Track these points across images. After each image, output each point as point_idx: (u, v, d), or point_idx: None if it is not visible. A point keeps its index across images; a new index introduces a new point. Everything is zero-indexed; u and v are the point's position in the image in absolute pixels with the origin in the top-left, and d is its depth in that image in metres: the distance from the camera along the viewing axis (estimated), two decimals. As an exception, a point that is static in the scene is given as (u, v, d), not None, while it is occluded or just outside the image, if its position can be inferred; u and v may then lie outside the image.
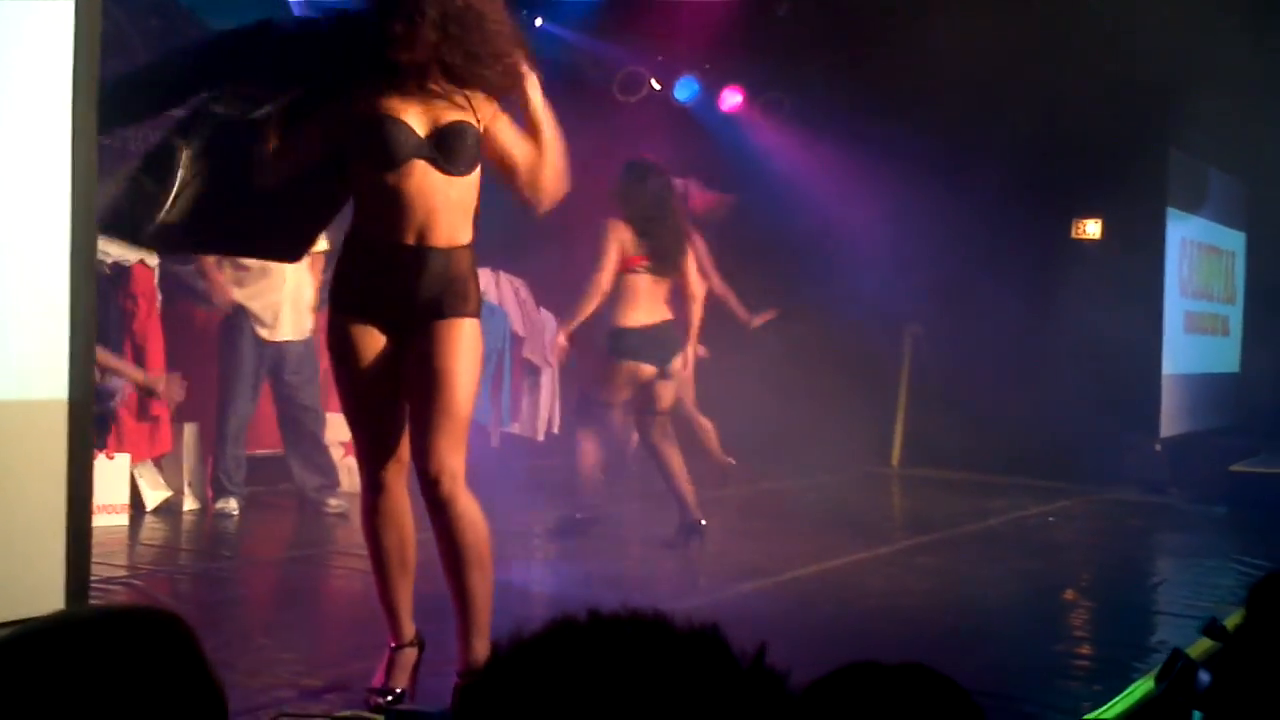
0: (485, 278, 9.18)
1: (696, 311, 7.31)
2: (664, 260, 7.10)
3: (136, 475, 7.50)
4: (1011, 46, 9.60)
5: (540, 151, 4.09)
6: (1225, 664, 1.67)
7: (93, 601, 5.32)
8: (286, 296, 7.78)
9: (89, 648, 1.29)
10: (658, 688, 1.02)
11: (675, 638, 1.07)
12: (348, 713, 4.01)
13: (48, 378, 3.90)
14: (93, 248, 4.08)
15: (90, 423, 4.13)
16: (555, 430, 9.56)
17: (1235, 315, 14.02)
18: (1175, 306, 11.91)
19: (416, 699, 4.14)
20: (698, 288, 7.35)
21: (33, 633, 1.32)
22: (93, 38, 4.12)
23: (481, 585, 3.97)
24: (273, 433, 8.93)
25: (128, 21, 7.79)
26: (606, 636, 1.06)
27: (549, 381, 9.61)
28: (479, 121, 4.05)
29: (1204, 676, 2.30)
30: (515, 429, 9.67)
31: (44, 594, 3.93)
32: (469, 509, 3.94)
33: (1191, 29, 9.30)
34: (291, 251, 4.66)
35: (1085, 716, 4.58)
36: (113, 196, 4.05)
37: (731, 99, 11.23)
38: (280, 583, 6.40)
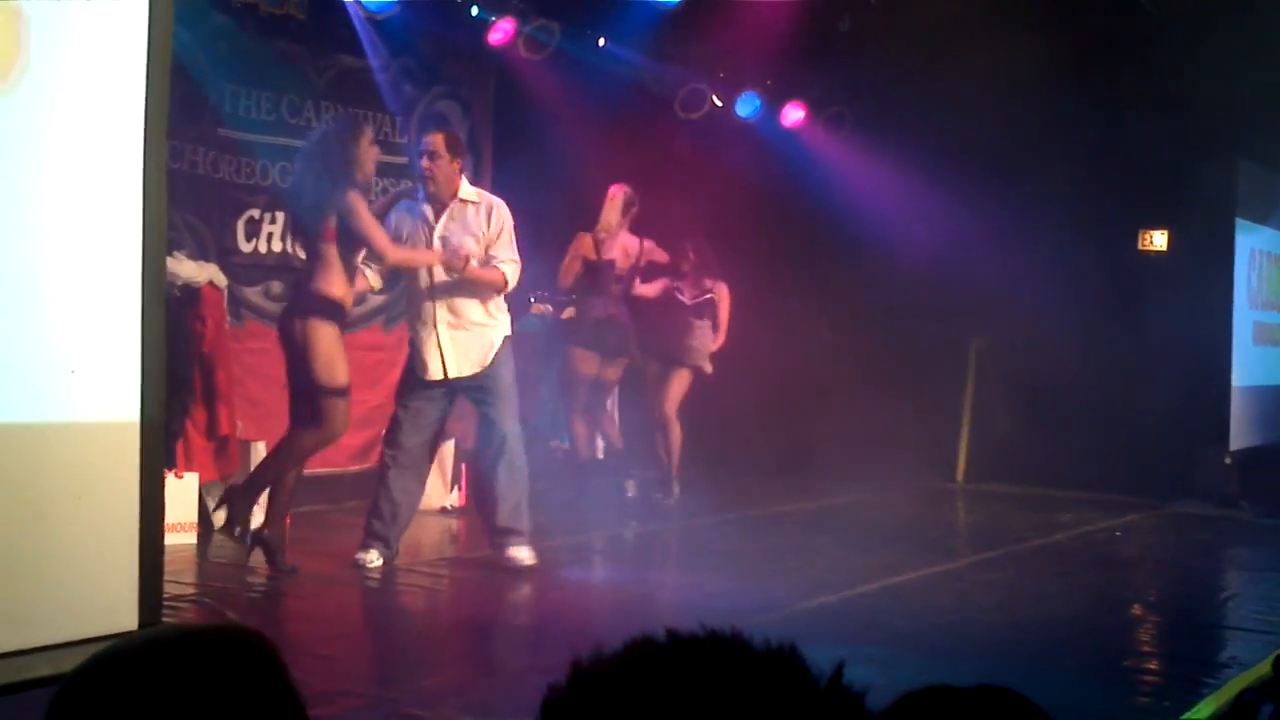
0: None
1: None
2: None
3: (205, 494, 7.59)
4: (1076, 57, 9.55)
5: None
6: None
7: (165, 619, 5.40)
8: None
9: (175, 666, 1.30)
10: (736, 708, 1.03)
11: (753, 657, 1.07)
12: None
13: (120, 399, 3.97)
14: (162, 270, 4.15)
15: (161, 443, 4.20)
16: (617, 446, 9.57)
17: (1307, 326, 13.81)
18: (1244, 317, 11.75)
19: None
20: None
21: (120, 652, 1.34)
22: (164, 67, 4.20)
23: None
24: (337, 451, 9.01)
25: (196, 48, 7.92)
26: (685, 656, 1.07)
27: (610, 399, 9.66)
28: None
29: (1266, 709, 2.27)
30: (569, 446, 9.70)
31: (118, 611, 3.99)
32: None
33: (1260, 35, 9.21)
34: None
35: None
36: None
37: (794, 114, 11.21)
38: (346, 599, 6.46)
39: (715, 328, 9.38)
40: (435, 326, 6.77)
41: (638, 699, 1.04)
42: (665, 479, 9.26)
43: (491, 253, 6.79)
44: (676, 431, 9.28)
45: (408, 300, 7.07)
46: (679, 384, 9.33)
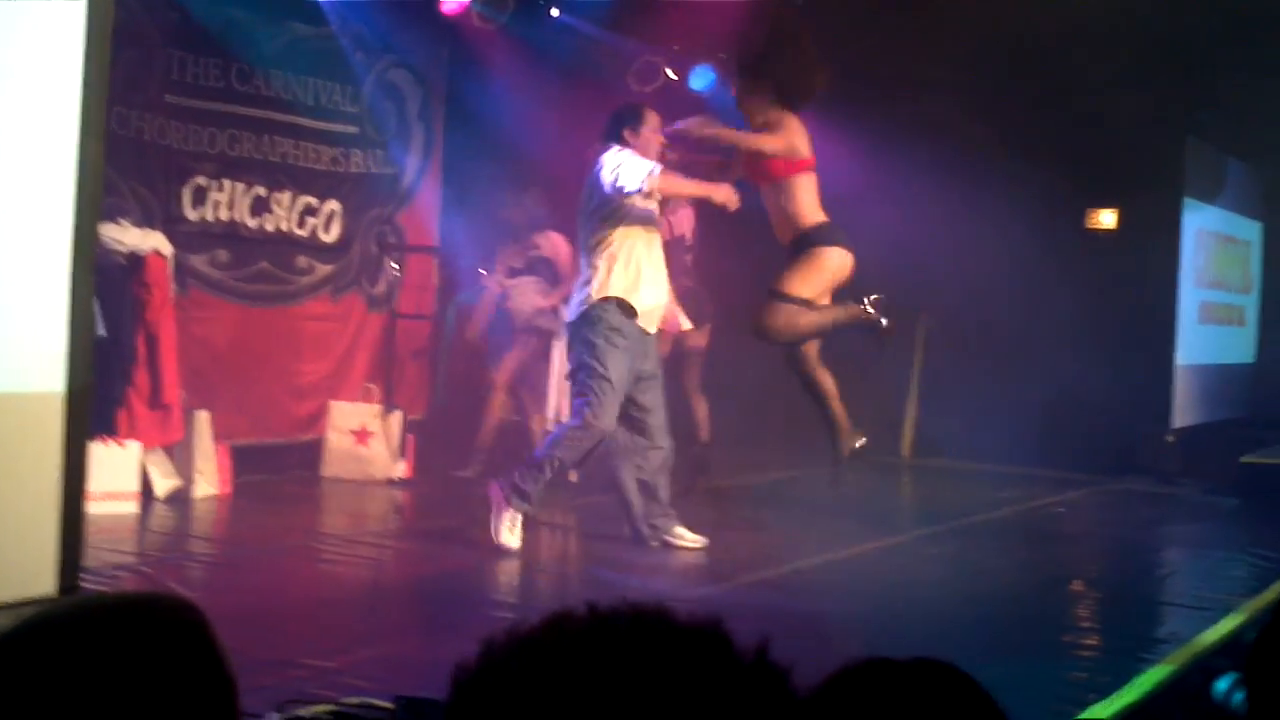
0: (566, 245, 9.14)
1: None
2: None
3: (147, 463, 7.53)
4: (1028, 34, 9.57)
5: None
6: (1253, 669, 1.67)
7: (101, 588, 5.36)
8: None
9: (102, 634, 1.29)
10: (657, 684, 1.00)
11: (676, 633, 1.05)
12: (356, 699, 4.02)
13: (45, 370, 3.93)
14: (94, 241, 4.10)
15: (88, 414, 4.16)
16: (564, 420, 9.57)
17: (1252, 305, 13.95)
18: (1190, 297, 11.86)
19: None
20: None
21: (47, 618, 1.33)
22: (104, 30, 4.14)
23: None
24: (283, 421, 8.98)
25: (144, 14, 7.82)
26: (604, 632, 1.04)
27: (557, 373, 9.61)
28: None
29: (1222, 684, 2.28)
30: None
31: (37, 577, 3.97)
32: None
33: (1212, 15, 9.27)
34: None
35: (1086, 711, 4.58)
36: None
37: (747, 88, 11.20)
38: (290, 570, 6.43)
39: (554, 281, 9.10)
40: None
41: (553, 676, 1.01)
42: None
43: None
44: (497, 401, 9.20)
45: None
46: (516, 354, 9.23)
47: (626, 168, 6.68)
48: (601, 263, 6.76)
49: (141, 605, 1.36)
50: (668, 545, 7.01)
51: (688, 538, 7.05)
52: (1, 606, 3.59)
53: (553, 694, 1.00)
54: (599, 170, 6.78)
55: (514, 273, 9.13)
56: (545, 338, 9.13)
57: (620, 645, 1.03)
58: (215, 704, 1.33)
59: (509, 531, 6.72)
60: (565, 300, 8.73)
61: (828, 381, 7.19)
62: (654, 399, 6.93)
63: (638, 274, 6.80)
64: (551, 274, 9.09)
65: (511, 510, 6.71)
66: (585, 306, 6.75)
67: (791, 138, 6.91)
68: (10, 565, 3.90)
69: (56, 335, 3.95)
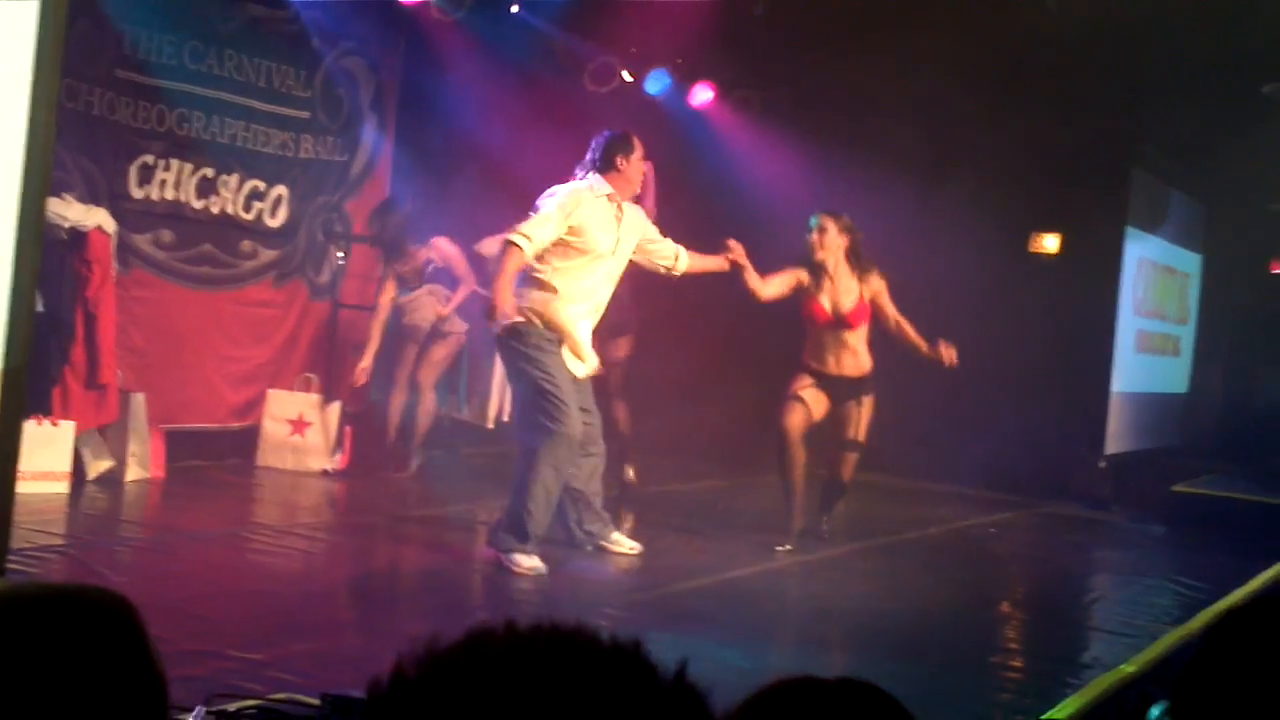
0: (456, 250, 9.13)
1: None
2: None
3: (80, 444, 7.43)
4: (978, 59, 9.64)
5: None
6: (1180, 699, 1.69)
7: (28, 570, 5.30)
8: None
9: (29, 625, 1.27)
10: (575, 705, 0.99)
11: (593, 652, 1.04)
12: (283, 695, 3.99)
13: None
14: (41, 215, 4.04)
15: (24, 392, 4.08)
16: (505, 419, 9.54)
17: (1187, 336, 14.13)
18: (1128, 325, 11.99)
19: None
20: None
21: None
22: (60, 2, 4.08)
23: None
24: (220, 407, 8.90)
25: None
26: (522, 650, 1.02)
27: (500, 369, 9.59)
28: None
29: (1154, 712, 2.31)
30: (465, 415, 9.65)
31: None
32: None
33: (1158, 48, 9.37)
34: None
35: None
36: None
37: (703, 94, 11.22)
38: (220, 559, 6.37)
39: (453, 285, 9.04)
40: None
41: (468, 697, 1.00)
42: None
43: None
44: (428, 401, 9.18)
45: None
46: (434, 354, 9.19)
47: (534, 221, 6.55)
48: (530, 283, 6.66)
49: (72, 597, 1.34)
50: (603, 550, 7.00)
51: (624, 544, 7.05)
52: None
53: (467, 713, 0.99)
54: (544, 197, 6.70)
55: (406, 286, 9.08)
56: (458, 337, 9.15)
57: (538, 665, 1.02)
58: (145, 701, 1.32)
59: (527, 562, 6.49)
60: (467, 300, 8.88)
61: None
62: (585, 404, 6.88)
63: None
64: (449, 279, 9.08)
65: (518, 555, 6.54)
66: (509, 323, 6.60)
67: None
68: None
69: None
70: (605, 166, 6.81)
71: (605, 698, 1.01)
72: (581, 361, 6.72)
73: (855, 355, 7.77)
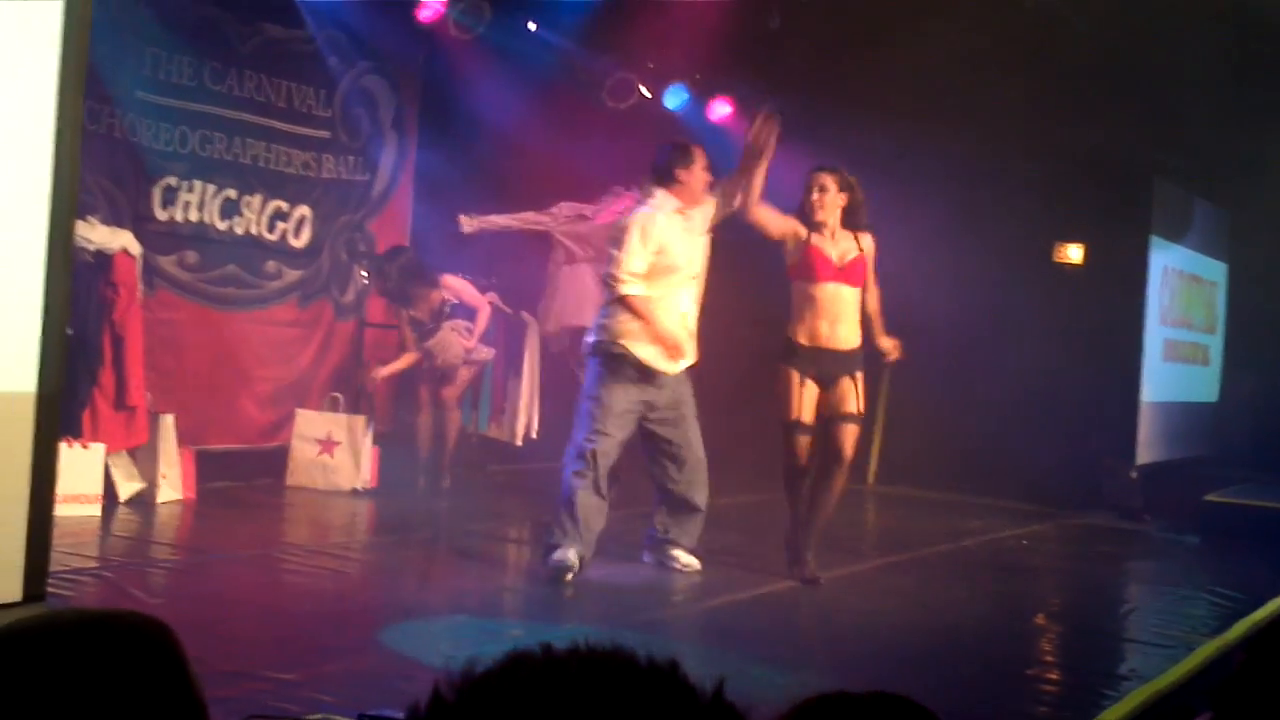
0: (464, 283, 9.23)
1: None
2: None
3: (111, 465, 7.44)
4: (1001, 68, 9.61)
5: None
6: (1223, 710, 1.66)
7: (62, 593, 5.28)
8: None
9: (70, 652, 1.26)
10: None
11: (632, 673, 1.03)
12: (318, 716, 3.97)
13: (17, 370, 3.86)
14: (70, 239, 4.04)
15: (57, 415, 4.09)
16: (534, 435, 9.52)
17: (1216, 345, 14.06)
18: (1155, 334, 11.93)
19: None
20: None
21: (15, 632, 1.30)
22: (82, 25, 4.08)
23: None
24: (248, 427, 8.90)
25: (119, 9, 7.75)
26: (561, 672, 1.02)
27: (528, 386, 9.58)
28: None
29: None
30: (494, 433, 9.64)
31: (3, 579, 3.89)
32: None
33: (1181, 59, 9.33)
34: None
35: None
36: None
37: (721, 109, 11.22)
38: (253, 579, 6.35)
39: (471, 317, 9.20)
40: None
41: (507, 718, 1.00)
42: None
43: None
44: (454, 418, 9.24)
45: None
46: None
47: (625, 259, 6.70)
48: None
49: (111, 622, 1.34)
50: (663, 565, 7.03)
51: (683, 560, 7.07)
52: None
53: None
54: (623, 227, 6.82)
55: (425, 331, 9.13)
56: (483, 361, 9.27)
57: (576, 687, 1.01)
58: None
59: (569, 560, 6.56)
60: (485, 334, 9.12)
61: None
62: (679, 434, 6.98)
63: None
64: (466, 313, 9.19)
65: (558, 564, 6.55)
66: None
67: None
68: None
69: (29, 334, 3.87)
70: (667, 180, 6.90)
71: (644, 716, 1.01)
72: (676, 361, 6.85)
73: (851, 323, 7.20)
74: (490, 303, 9.74)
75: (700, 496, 7.12)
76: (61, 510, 6.29)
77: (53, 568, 5.21)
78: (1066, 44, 9.41)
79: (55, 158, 3.99)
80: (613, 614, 6.10)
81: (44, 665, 1.25)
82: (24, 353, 3.88)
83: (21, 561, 3.94)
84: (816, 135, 10.82)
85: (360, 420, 8.88)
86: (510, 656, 1.04)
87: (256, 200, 8.90)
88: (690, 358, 6.96)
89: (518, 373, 9.20)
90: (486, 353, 9.23)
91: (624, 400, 6.74)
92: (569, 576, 6.48)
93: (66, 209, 4.01)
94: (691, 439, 7.07)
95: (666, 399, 6.89)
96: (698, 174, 6.93)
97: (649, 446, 7.00)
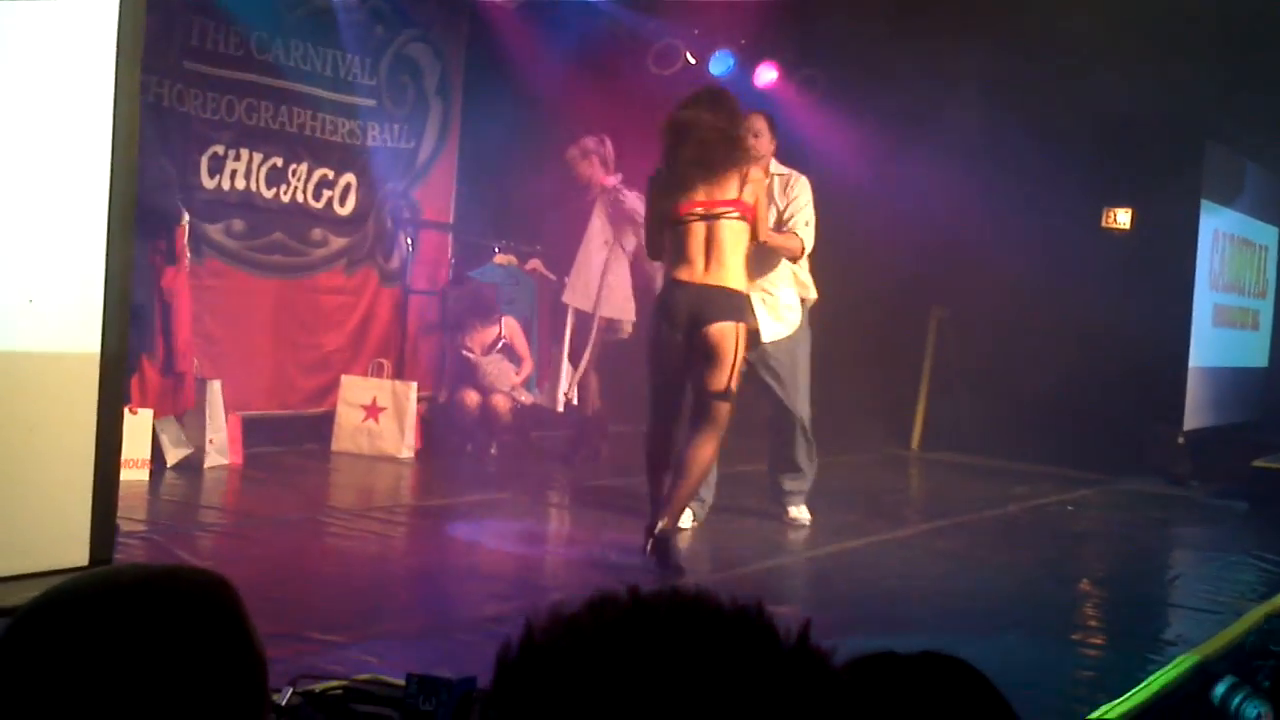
0: (519, 330, 9.51)
1: None
2: None
3: (159, 430, 7.52)
4: (1050, 32, 9.52)
5: None
6: None
7: (115, 556, 5.35)
8: None
9: (133, 607, 1.28)
10: (700, 668, 1.00)
11: (717, 616, 1.05)
12: (367, 676, 4.01)
13: (81, 331, 3.90)
14: (132, 202, 4.07)
15: (121, 377, 4.13)
16: (574, 402, 9.54)
17: (1266, 310, 13.91)
18: (1204, 299, 11.82)
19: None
20: None
21: (77, 589, 1.32)
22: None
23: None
24: (294, 393, 8.97)
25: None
26: (647, 615, 1.04)
27: (569, 354, 9.60)
28: None
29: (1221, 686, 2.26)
30: (536, 398, 9.67)
31: (69, 546, 3.93)
32: None
33: (1233, 21, 9.22)
34: None
35: (1096, 711, 4.56)
36: None
37: (766, 75, 11.16)
38: (300, 543, 6.42)
39: (516, 360, 9.42)
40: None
41: (598, 658, 1.01)
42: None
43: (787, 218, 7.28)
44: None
45: None
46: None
47: (809, 232, 7.32)
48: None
49: (173, 578, 1.36)
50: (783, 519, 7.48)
51: (797, 514, 7.51)
52: (32, 576, 3.56)
53: (596, 677, 1.00)
54: (800, 196, 7.35)
55: (485, 348, 9.34)
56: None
57: (663, 629, 1.03)
58: (245, 680, 1.33)
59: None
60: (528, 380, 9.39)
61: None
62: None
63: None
64: (513, 355, 9.40)
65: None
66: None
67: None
68: (42, 533, 3.86)
69: (93, 296, 3.92)
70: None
71: (730, 660, 1.02)
72: (779, 322, 7.44)
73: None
74: (533, 269, 9.76)
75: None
76: (112, 475, 6.39)
77: (105, 531, 5.29)
78: (1116, 5, 9.31)
79: (114, 122, 4.03)
80: (659, 579, 6.12)
81: (107, 622, 1.26)
82: (88, 315, 3.92)
83: (88, 526, 3.98)
84: (862, 100, 10.79)
85: (406, 386, 8.94)
86: (596, 598, 1.06)
87: (302, 168, 8.94)
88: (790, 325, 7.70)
89: (559, 339, 9.21)
90: (525, 397, 9.39)
91: None
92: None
93: (126, 172, 4.05)
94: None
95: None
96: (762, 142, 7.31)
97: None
